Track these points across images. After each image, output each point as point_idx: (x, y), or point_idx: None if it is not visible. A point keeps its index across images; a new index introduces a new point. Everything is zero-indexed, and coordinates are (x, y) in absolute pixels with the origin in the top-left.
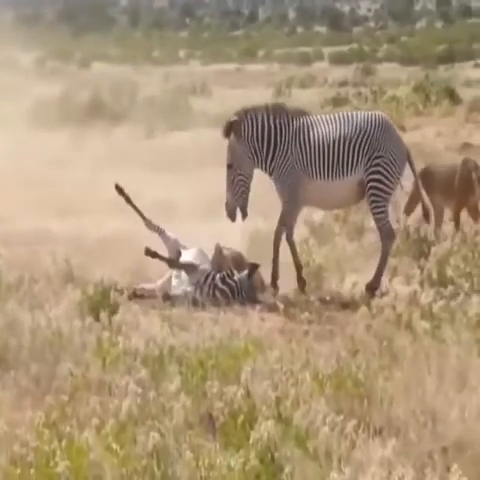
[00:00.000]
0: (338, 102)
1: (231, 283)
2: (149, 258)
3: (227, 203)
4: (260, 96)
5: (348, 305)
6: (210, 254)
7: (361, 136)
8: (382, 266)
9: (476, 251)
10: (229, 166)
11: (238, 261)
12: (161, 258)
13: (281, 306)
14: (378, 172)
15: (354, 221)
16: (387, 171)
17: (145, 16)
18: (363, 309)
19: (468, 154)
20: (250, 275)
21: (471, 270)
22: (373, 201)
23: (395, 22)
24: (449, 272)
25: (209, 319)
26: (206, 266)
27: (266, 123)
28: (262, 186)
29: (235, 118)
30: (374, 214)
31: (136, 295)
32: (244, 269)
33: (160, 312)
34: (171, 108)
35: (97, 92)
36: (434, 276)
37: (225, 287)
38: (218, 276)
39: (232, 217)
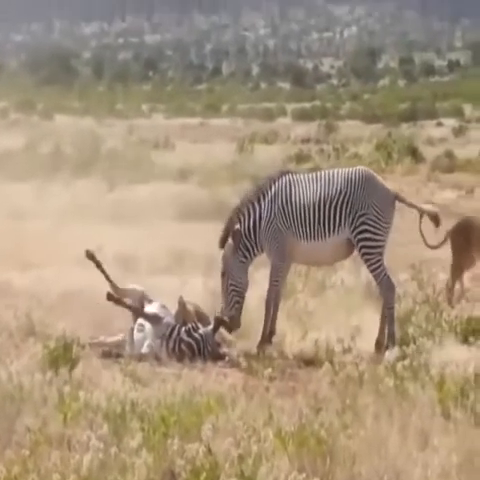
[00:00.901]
0: (301, 159)
1: (197, 336)
2: (113, 312)
3: (222, 311)
4: (223, 151)
5: (311, 362)
6: (172, 309)
7: (342, 197)
8: (391, 321)
9: (438, 310)
10: (222, 274)
11: (201, 316)
12: (124, 305)
13: (243, 362)
14: (365, 230)
15: (316, 277)
16: (374, 227)
17: (108, 68)
18: (326, 366)
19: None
20: (215, 329)
21: (433, 329)
22: (366, 259)
23: (358, 79)
24: (411, 331)
25: (171, 375)
26: (170, 319)
27: (252, 210)
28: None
29: (237, 227)
30: (371, 272)
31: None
32: (207, 324)
33: (122, 367)
34: (133, 161)
35: (60, 144)
36: (396, 334)
37: (191, 340)
38: (183, 329)
39: (230, 329)
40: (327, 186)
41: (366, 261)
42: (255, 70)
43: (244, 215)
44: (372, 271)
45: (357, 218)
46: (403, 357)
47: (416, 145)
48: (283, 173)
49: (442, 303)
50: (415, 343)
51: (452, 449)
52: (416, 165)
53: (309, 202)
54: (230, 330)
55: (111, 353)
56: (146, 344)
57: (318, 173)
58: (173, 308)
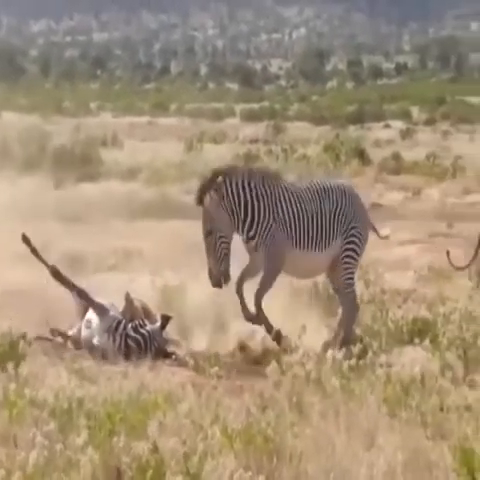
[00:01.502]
0: (249, 159)
1: (144, 332)
2: (58, 309)
3: (210, 271)
4: (171, 150)
5: (258, 361)
6: (120, 306)
7: (339, 209)
8: (350, 325)
9: (384, 310)
10: (208, 233)
11: (149, 313)
12: (68, 285)
13: (191, 361)
14: (353, 242)
15: None
16: (359, 240)
17: (56, 66)
18: (273, 365)
19: (377, 214)
20: (163, 326)
21: (379, 329)
22: (346, 268)
23: (306, 81)
24: (357, 331)
25: (118, 372)
26: (117, 313)
27: (241, 185)
28: (172, 240)
29: (219, 179)
30: (346, 280)
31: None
32: (154, 322)
33: (69, 364)
34: (81, 159)
35: (6, 141)
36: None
37: (138, 336)
38: (130, 325)
39: (219, 285)
40: (326, 198)
41: (346, 269)
42: (203, 70)
43: (238, 182)
44: (347, 279)
45: (349, 230)
46: (349, 357)
47: (364, 147)
48: (280, 178)
49: (387, 303)
50: (361, 343)
51: (397, 448)
52: (363, 167)
53: (312, 212)
54: (220, 285)
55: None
56: (95, 340)
57: (311, 183)
58: (120, 306)
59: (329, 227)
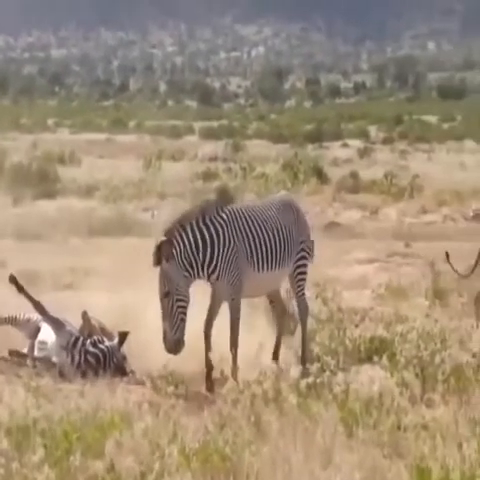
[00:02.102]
0: (208, 177)
1: (103, 348)
2: (10, 330)
3: (165, 336)
4: (130, 167)
5: (216, 379)
6: (76, 324)
7: (292, 224)
8: (306, 341)
9: (342, 329)
10: (165, 295)
11: (105, 331)
12: (27, 295)
13: (148, 379)
14: (303, 257)
15: None
16: (308, 253)
17: (14, 82)
18: (231, 384)
19: (334, 233)
20: (121, 343)
21: (336, 347)
22: (300, 285)
23: (265, 100)
24: (315, 349)
25: (75, 391)
26: (72, 329)
27: (197, 228)
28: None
29: (163, 239)
30: (299, 296)
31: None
32: (111, 339)
33: (25, 382)
34: (39, 176)
35: None
36: (299, 353)
37: (97, 351)
38: (88, 341)
39: (173, 351)
40: (280, 214)
41: (299, 286)
42: (162, 87)
43: (187, 231)
44: (300, 295)
45: (300, 244)
46: (307, 375)
47: (322, 166)
48: (230, 201)
49: (345, 321)
50: (319, 361)
51: (355, 466)
52: (321, 185)
53: (268, 231)
54: (174, 352)
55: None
56: (53, 357)
57: (262, 201)
58: (77, 324)
59: (286, 243)
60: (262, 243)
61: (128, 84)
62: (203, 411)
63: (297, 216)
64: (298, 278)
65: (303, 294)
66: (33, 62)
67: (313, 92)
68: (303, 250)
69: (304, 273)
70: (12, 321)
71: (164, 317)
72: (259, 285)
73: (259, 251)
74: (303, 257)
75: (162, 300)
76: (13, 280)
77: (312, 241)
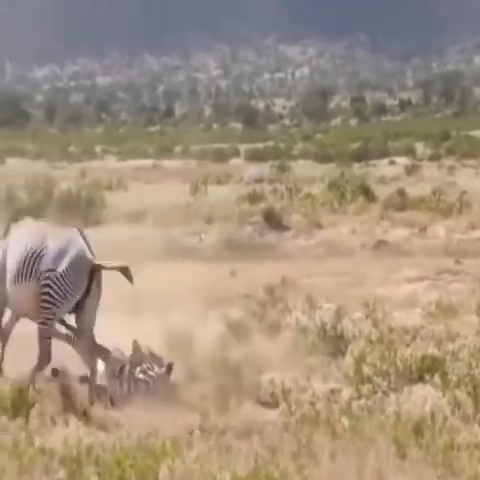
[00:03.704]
0: (254, 199)
1: (153, 375)
2: (67, 356)
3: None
4: (176, 192)
5: (266, 403)
6: (126, 351)
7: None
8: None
9: (392, 349)
10: None
11: (155, 358)
12: (68, 326)
13: (199, 404)
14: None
15: (270, 317)
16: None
17: (61, 111)
18: (282, 407)
19: (383, 252)
20: (169, 371)
21: (388, 368)
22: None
23: (310, 120)
24: (366, 370)
25: (126, 418)
26: (118, 355)
27: None
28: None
29: None
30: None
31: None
32: (161, 366)
33: (77, 410)
34: (87, 203)
35: (12, 188)
36: (351, 374)
37: (146, 378)
38: (138, 369)
39: None
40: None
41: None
42: (207, 111)
43: None
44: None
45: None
46: (359, 397)
47: (368, 184)
48: None
49: (395, 341)
50: (370, 383)
51: None
52: (369, 204)
53: None
54: None
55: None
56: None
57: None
58: (127, 351)
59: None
60: None
61: (173, 109)
62: (254, 435)
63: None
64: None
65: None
66: (79, 90)
67: (358, 110)
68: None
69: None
70: (70, 340)
71: None
72: None
73: None
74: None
75: None
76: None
77: None
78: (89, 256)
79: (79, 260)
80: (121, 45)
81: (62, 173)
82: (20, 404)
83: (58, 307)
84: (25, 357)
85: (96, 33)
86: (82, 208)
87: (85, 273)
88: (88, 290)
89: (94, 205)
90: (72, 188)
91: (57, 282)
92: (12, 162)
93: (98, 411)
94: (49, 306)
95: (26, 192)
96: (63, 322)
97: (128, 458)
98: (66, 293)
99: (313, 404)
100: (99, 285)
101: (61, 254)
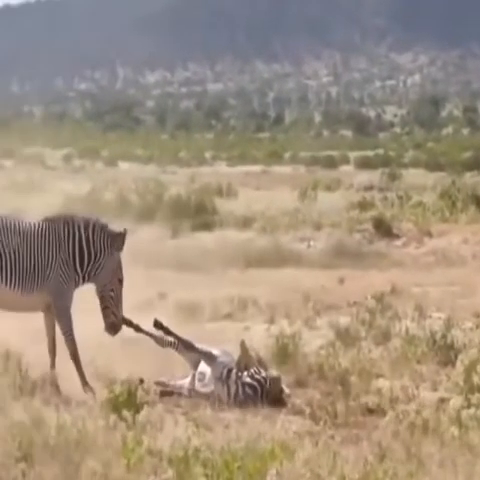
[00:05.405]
0: (364, 206)
1: (260, 379)
2: (174, 358)
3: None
4: (285, 198)
5: (374, 410)
6: (234, 354)
7: None
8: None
9: None
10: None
11: (262, 362)
12: (171, 334)
13: (307, 409)
14: None
15: (380, 325)
16: None
17: (171, 117)
18: (390, 415)
19: None
20: (279, 376)
21: None
22: None
23: (421, 128)
24: (476, 380)
25: (235, 420)
26: (227, 359)
27: None
28: (287, 288)
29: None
30: None
31: (165, 393)
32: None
33: (185, 411)
34: (197, 208)
35: (123, 191)
36: (461, 383)
37: (254, 382)
38: (245, 373)
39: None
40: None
41: None
42: (317, 118)
43: None
44: None
45: None
46: (468, 406)
47: None
48: None
49: None
50: None
51: None
52: None
53: None
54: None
55: (169, 393)
56: (209, 388)
57: None
58: (235, 354)
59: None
60: None
61: (283, 116)
62: (362, 441)
63: None
64: None
65: None
66: (190, 96)
67: (471, 119)
68: None
69: None
70: (176, 346)
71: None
72: None
73: None
74: None
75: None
76: (159, 325)
77: None
78: None
79: None
80: (233, 52)
81: (172, 178)
82: (130, 404)
83: None
84: (136, 358)
85: (208, 39)
86: (192, 212)
87: None
88: None
89: (205, 210)
90: (182, 193)
91: None
92: (124, 166)
93: (206, 413)
94: None
95: (137, 195)
96: (164, 328)
97: (236, 460)
98: None
99: (420, 412)
100: None
101: None
